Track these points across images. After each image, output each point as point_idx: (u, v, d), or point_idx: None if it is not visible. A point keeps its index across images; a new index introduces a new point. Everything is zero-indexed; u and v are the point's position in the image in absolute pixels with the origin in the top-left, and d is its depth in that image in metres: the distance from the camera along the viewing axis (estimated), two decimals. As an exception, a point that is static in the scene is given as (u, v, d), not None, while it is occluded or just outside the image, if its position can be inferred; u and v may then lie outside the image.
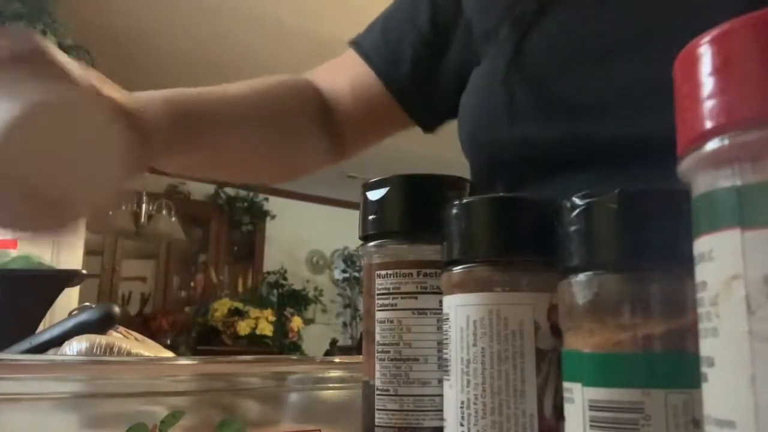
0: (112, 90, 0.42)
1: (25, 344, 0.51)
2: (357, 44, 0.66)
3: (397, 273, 0.30)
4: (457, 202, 0.27)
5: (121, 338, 0.48)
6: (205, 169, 0.65)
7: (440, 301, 0.27)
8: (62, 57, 0.38)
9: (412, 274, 0.29)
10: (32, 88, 0.35)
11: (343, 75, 0.66)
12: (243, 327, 3.93)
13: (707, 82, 0.15)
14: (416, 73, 0.63)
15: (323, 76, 0.67)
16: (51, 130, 0.35)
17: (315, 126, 0.64)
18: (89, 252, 2.79)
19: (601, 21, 0.50)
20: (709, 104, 0.15)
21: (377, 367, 0.29)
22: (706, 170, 0.15)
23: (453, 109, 0.59)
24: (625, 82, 0.46)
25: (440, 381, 0.27)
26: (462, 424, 0.24)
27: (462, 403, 0.25)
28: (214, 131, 0.56)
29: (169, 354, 0.52)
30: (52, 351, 0.48)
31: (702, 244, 0.15)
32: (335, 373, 0.38)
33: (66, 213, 0.37)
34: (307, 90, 0.65)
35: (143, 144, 0.44)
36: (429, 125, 0.66)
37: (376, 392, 0.29)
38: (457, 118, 0.59)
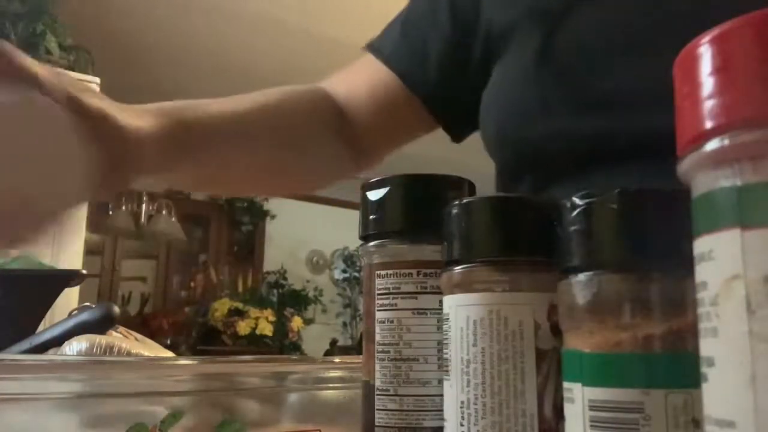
0: (92, 98, 0.40)
1: (25, 344, 0.52)
2: (375, 48, 0.64)
3: (397, 273, 0.30)
4: (457, 202, 0.27)
5: (121, 338, 0.48)
6: (207, 186, 0.60)
7: (440, 301, 0.27)
8: (32, 62, 0.37)
9: (412, 274, 0.29)
10: None
11: (361, 81, 0.64)
12: (243, 327, 3.92)
13: (707, 82, 0.15)
14: (442, 75, 0.61)
15: (339, 84, 0.65)
16: (7, 132, 0.35)
17: (329, 136, 0.62)
18: (89, 252, 2.78)
19: (631, 13, 0.49)
20: (709, 104, 0.15)
21: (377, 367, 0.29)
22: (706, 170, 0.15)
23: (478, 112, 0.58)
24: (660, 74, 0.46)
25: (440, 381, 0.27)
26: (462, 424, 0.24)
27: (462, 403, 0.25)
28: (215, 147, 0.53)
29: (169, 354, 0.52)
30: (52, 351, 0.48)
31: (702, 244, 0.15)
32: (335, 373, 0.38)
33: (22, 221, 0.36)
34: (320, 99, 0.63)
35: (124, 156, 0.42)
36: (457, 130, 0.64)
37: (376, 392, 0.29)
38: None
